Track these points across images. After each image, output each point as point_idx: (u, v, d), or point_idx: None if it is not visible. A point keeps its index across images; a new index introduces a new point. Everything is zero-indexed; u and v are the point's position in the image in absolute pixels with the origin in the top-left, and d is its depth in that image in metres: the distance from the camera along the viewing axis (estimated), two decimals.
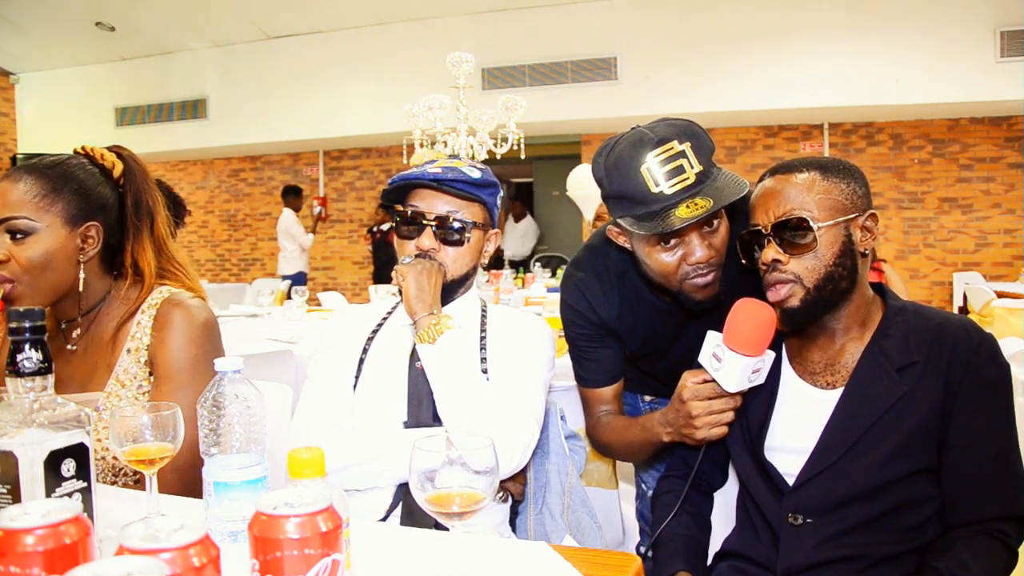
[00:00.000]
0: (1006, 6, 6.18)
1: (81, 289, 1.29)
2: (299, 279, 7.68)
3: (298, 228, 7.77)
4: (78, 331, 1.32)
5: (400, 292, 1.32)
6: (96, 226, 1.29)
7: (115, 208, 1.34)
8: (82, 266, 1.28)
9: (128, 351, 1.28)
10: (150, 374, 1.27)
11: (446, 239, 1.34)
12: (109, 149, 1.38)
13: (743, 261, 1.23)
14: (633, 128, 1.24)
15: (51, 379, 0.77)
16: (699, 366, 1.20)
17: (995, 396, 1.10)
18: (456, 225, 1.33)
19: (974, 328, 1.14)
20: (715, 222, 1.23)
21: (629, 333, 1.46)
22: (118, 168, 1.36)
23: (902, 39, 6.43)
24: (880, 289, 1.24)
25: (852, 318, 1.18)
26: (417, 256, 1.32)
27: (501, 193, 1.42)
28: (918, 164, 7.28)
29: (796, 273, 1.14)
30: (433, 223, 1.33)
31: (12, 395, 0.76)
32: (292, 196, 7.91)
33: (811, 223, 1.12)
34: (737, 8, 6.74)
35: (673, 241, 1.23)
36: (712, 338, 1.17)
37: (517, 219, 9.32)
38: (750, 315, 1.13)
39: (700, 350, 1.19)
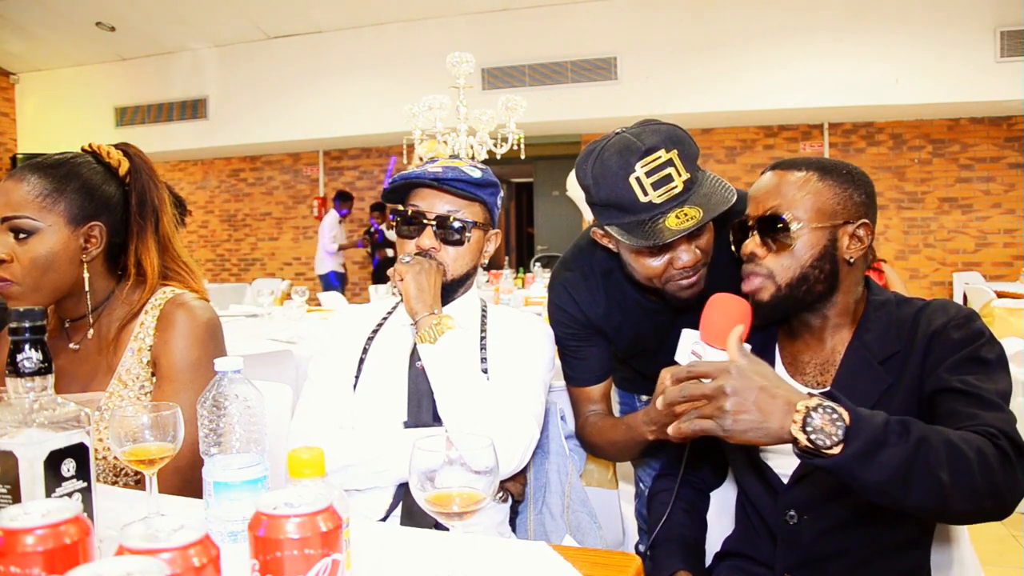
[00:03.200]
0: (1006, 6, 6.19)
1: (87, 289, 1.29)
2: (329, 279, 7.72)
3: (331, 231, 7.87)
4: (82, 331, 1.32)
5: (400, 292, 1.32)
6: (99, 226, 1.29)
7: (120, 207, 1.33)
8: (85, 266, 1.28)
9: (131, 351, 1.28)
10: (152, 374, 1.27)
11: (446, 239, 1.34)
12: (116, 147, 1.38)
13: (733, 249, 1.23)
14: (617, 133, 1.24)
15: (51, 379, 0.77)
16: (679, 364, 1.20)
17: (965, 350, 1.05)
18: (456, 225, 1.33)
19: (953, 306, 1.12)
20: (702, 225, 1.23)
21: (616, 332, 1.47)
22: (124, 166, 1.35)
23: (902, 39, 6.44)
24: (864, 283, 1.23)
25: (839, 318, 1.18)
26: (416, 255, 1.32)
27: (501, 193, 1.43)
28: (918, 164, 7.29)
29: (771, 269, 1.15)
30: (433, 222, 1.33)
31: (12, 395, 0.76)
32: (340, 201, 8.06)
33: (791, 223, 1.12)
34: (737, 8, 6.74)
35: (660, 247, 1.23)
36: (688, 336, 1.18)
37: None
38: (726, 309, 1.14)
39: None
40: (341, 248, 7.98)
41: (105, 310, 1.33)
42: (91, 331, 1.31)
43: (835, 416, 0.85)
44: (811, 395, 0.90)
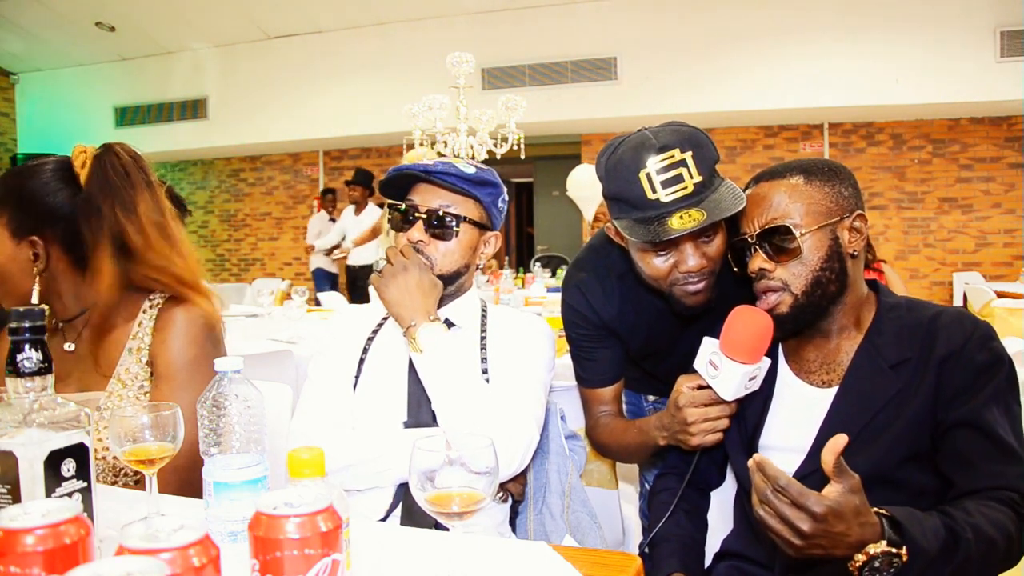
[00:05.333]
0: (1006, 6, 6.19)
1: (62, 294, 1.27)
2: (316, 276, 7.71)
3: (312, 229, 7.82)
4: (76, 331, 1.32)
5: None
6: (37, 241, 1.25)
7: (73, 215, 1.27)
8: (37, 277, 1.26)
9: (129, 351, 1.28)
10: (151, 374, 1.27)
11: (435, 233, 1.33)
12: (101, 147, 1.32)
13: (735, 269, 1.23)
14: (639, 130, 1.24)
15: (51, 379, 0.77)
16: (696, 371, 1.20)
17: (986, 379, 1.07)
18: (445, 218, 1.32)
19: (968, 318, 1.13)
20: (711, 232, 1.22)
21: (630, 333, 1.46)
22: (83, 174, 1.28)
23: (902, 39, 6.43)
24: (874, 285, 1.24)
25: (847, 318, 1.18)
26: (387, 263, 1.31)
27: (504, 196, 1.41)
28: (918, 164, 7.29)
29: (784, 280, 1.14)
30: (424, 215, 1.33)
31: (12, 395, 0.76)
32: (325, 196, 8.05)
33: (794, 230, 1.12)
34: (737, 8, 6.74)
35: (667, 247, 1.23)
36: (708, 345, 1.17)
37: (359, 209, 7.06)
38: (748, 322, 1.12)
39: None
40: (308, 250, 7.93)
41: (97, 311, 1.32)
42: (83, 332, 1.31)
43: (894, 560, 0.89)
44: (880, 522, 0.90)
